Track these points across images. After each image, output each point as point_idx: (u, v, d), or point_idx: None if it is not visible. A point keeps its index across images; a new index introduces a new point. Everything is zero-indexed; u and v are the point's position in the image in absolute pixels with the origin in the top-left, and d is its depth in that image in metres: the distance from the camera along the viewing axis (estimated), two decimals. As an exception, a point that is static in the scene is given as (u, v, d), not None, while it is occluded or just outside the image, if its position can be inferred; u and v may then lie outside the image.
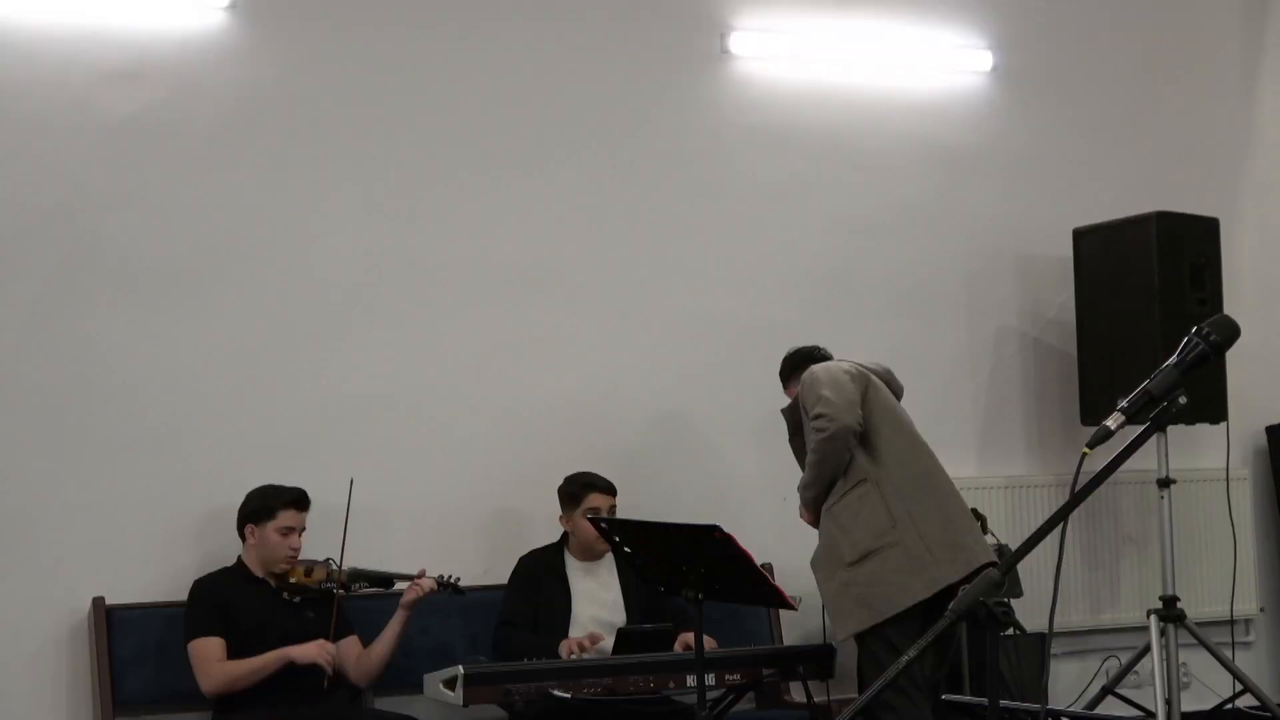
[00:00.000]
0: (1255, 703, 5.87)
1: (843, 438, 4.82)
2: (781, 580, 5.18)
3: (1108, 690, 5.90)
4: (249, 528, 5.04)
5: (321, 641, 4.84)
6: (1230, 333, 2.87)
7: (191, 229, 5.41)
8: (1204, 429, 6.15)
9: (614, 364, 5.91)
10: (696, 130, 6.12)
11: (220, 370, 5.41)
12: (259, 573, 5.04)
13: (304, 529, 5.05)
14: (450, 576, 5.07)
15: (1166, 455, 5.65)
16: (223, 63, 5.48)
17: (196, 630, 4.90)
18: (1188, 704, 6.12)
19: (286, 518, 5.00)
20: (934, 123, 6.50)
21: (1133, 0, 6.94)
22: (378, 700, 5.31)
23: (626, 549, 4.65)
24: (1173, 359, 2.85)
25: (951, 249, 6.49)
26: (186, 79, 5.43)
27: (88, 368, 5.26)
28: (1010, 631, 5.41)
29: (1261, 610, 6.89)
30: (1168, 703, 5.41)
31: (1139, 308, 6.10)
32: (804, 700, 5.22)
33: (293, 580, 5.01)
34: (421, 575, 5.02)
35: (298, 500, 5.04)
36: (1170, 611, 5.58)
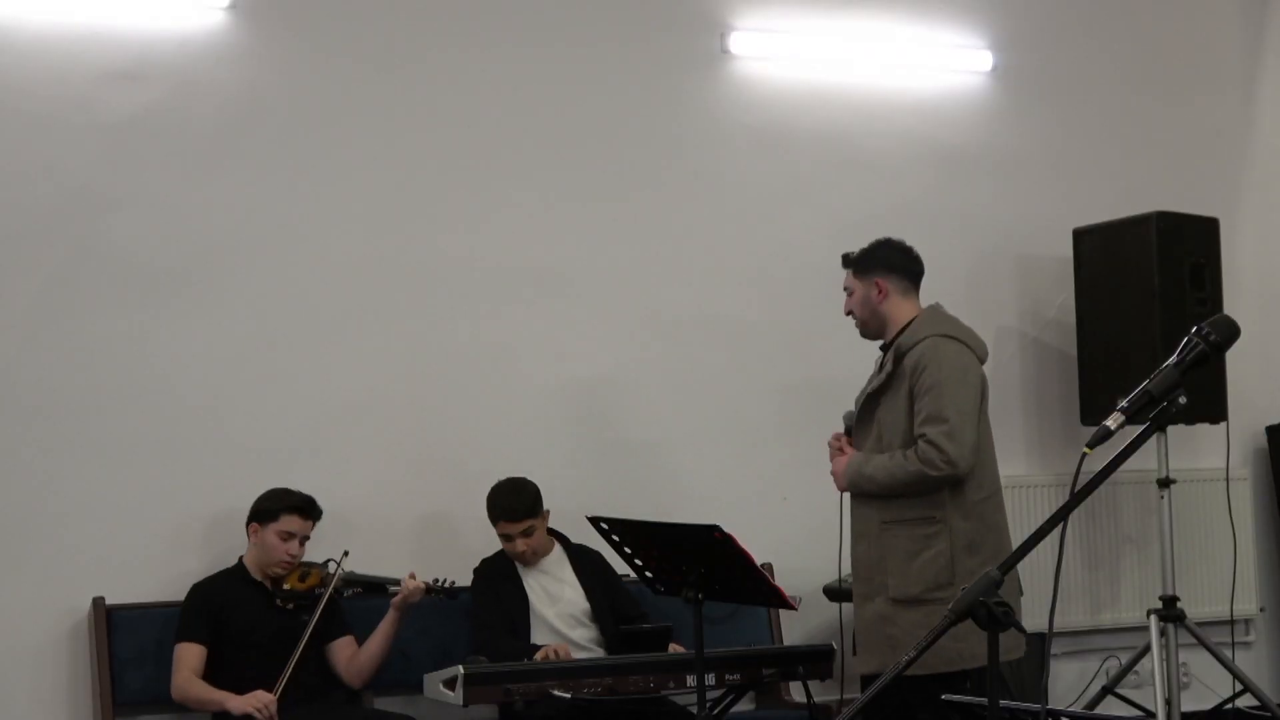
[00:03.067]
0: (1255, 703, 5.87)
1: (950, 482, 4.53)
2: (781, 580, 5.18)
3: (1108, 690, 5.90)
4: (253, 525, 5.04)
5: (258, 692, 4.79)
6: (1230, 333, 2.87)
7: (191, 229, 5.42)
8: (1204, 429, 6.15)
9: (614, 364, 5.92)
10: (696, 130, 6.12)
11: (220, 370, 5.41)
12: (257, 575, 5.04)
13: (307, 537, 5.05)
14: (442, 580, 5.07)
15: (1166, 455, 5.65)
16: (223, 63, 5.48)
17: (181, 634, 4.94)
18: (1188, 704, 6.12)
19: (289, 522, 5.00)
20: (934, 123, 6.49)
21: (1132, 0, 6.94)
22: (377, 700, 5.32)
23: (626, 549, 4.65)
24: (1173, 359, 2.84)
25: (951, 249, 6.47)
26: (186, 79, 5.43)
27: (88, 368, 5.26)
28: (1010, 631, 5.41)
29: (1261, 610, 6.89)
30: (1168, 703, 5.42)
31: (1139, 308, 6.10)
32: (804, 700, 5.22)
33: (287, 586, 5.02)
34: (411, 578, 5.02)
35: (302, 507, 5.03)
36: (1170, 611, 5.58)
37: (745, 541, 4.40)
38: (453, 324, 5.71)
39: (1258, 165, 7.12)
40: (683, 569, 4.45)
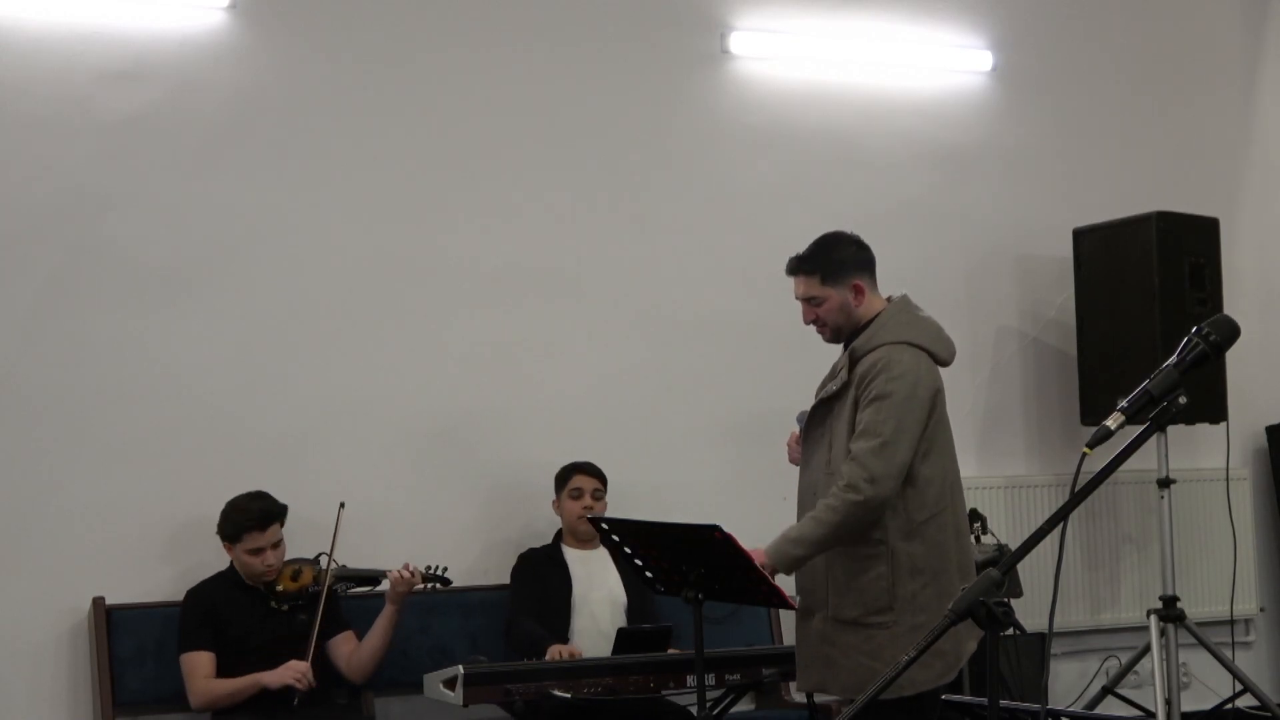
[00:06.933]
0: (1255, 703, 5.87)
1: (879, 511, 4.14)
2: (781, 580, 5.17)
3: (1108, 690, 5.91)
4: (225, 544, 5.02)
5: (292, 663, 4.82)
6: (1230, 333, 2.87)
7: (191, 229, 5.42)
8: (1204, 429, 6.15)
9: (613, 364, 5.92)
10: (696, 130, 6.12)
11: (220, 370, 5.41)
12: (248, 580, 5.04)
13: (279, 541, 5.00)
14: (437, 568, 5.07)
15: (1166, 455, 5.65)
16: (223, 63, 5.48)
17: (186, 644, 4.93)
18: (1188, 704, 6.13)
19: (252, 540, 4.94)
20: (934, 122, 6.50)
21: (1132, 1, 6.94)
22: (378, 700, 5.31)
23: (626, 549, 4.65)
24: (1173, 359, 2.84)
25: (951, 249, 6.49)
26: (186, 79, 5.43)
27: (88, 368, 5.26)
28: (1010, 631, 5.42)
29: (1261, 610, 6.89)
30: (1168, 703, 5.42)
31: (1139, 308, 6.10)
32: (804, 700, 5.22)
33: (279, 589, 5.00)
34: (405, 568, 5.01)
35: (261, 520, 4.95)
36: (1170, 611, 5.59)
37: (745, 541, 4.40)
38: (453, 323, 5.71)
39: (1258, 165, 7.12)
40: (683, 569, 4.45)
